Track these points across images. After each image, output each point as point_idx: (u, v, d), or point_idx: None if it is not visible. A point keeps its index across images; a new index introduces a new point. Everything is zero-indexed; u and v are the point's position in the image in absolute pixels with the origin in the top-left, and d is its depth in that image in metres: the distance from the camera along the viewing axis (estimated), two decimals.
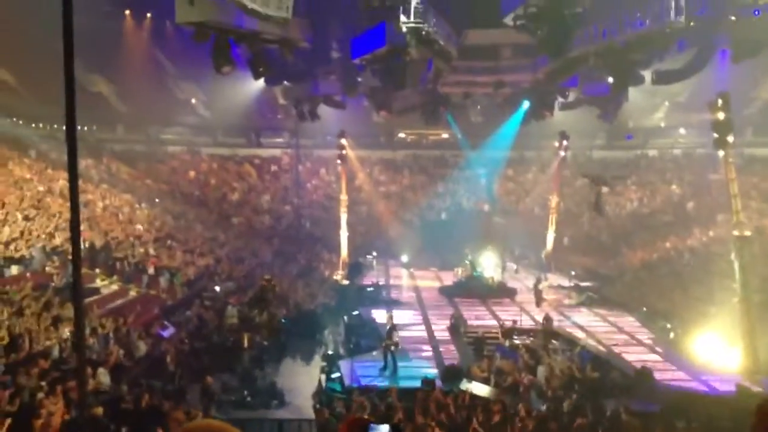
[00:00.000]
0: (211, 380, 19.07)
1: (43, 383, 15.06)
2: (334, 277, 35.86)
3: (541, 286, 31.31)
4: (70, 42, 6.88)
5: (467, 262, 34.65)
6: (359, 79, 28.28)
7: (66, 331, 18.68)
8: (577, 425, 15.88)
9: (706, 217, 39.77)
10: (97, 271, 27.61)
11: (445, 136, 50.00)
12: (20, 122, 41.04)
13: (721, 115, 22.91)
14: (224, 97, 45.05)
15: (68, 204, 12.55)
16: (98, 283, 26.54)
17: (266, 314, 25.25)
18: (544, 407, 17.93)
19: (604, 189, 35.11)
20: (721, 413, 16.37)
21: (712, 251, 33.59)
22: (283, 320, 25.78)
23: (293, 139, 50.58)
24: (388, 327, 22.00)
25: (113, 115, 48.15)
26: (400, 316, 27.41)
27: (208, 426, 1.55)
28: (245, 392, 19.52)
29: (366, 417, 2.50)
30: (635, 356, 23.29)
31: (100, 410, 14.82)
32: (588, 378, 20.28)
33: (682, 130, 50.63)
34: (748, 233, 23.67)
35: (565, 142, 38.85)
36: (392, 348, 21.52)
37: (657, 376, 20.53)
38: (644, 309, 29.57)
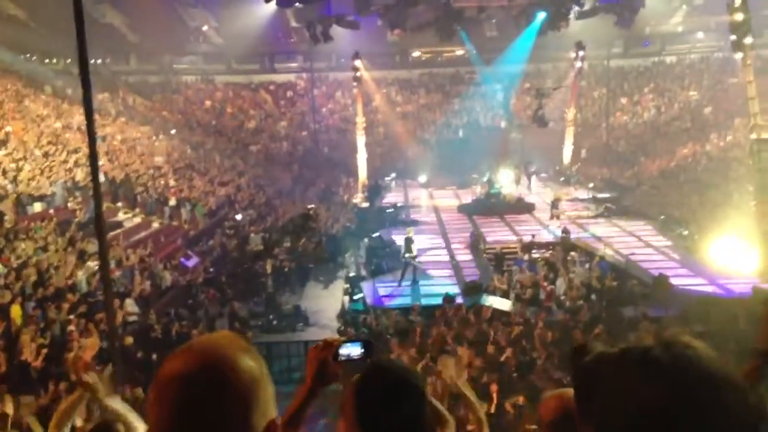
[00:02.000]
0: (238, 305, 19.61)
1: (72, 316, 15.53)
2: (354, 200, 36.09)
3: (558, 202, 31.25)
4: None
5: (485, 179, 34.63)
6: None
7: (92, 265, 19.11)
8: (596, 334, 16.21)
9: (723, 122, 39.33)
10: (119, 204, 27.98)
11: (460, 52, 49.26)
12: (33, 58, 40.95)
13: (739, 16, 22.47)
14: (236, 23, 44.67)
15: (86, 139, 12.77)
16: (121, 216, 26.95)
17: (312, 242, 25.67)
18: (562, 318, 18.25)
19: (544, 100, 35.28)
20: (737, 315, 16.57)
21: (729, 156, 33.35)
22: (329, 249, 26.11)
23: (307, 62, 50.09)
24: (405, 240, 22.66)
25: (126, 46, 48.01)
26: (420, 236, 27.79)
27: (216, 339, 1.62)
28: (271, 316, 20.01)
29: (339, 338, 2.57)
30: (653, 264, 23.46)
31: (130, 340, 15.35)
32: (606, 287, 20.53)
33: (700, 34, 49.62)
34: (766, 135, 23.49)
35: (581, 53, 38.26)
36: (410, 260, 22.15)
37: (674, 282, 20.74)
38: (662, 217, 29.58)
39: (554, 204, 30.79)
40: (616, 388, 1.23)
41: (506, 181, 34.55)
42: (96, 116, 17.74)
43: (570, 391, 2.95)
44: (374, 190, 37.15)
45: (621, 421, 1.19)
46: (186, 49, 51.13)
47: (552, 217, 30.01)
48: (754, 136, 22.61)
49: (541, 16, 32.05)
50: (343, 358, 2.41)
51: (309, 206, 27.59)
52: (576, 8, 30.90)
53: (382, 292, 21.40)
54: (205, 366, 1.46)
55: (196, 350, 1.51)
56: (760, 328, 2.52)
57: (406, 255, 22.47)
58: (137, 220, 27.45)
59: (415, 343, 15.66)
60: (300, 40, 46.23)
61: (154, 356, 14.72)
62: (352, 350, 2.43)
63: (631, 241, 26.98)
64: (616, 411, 1.21)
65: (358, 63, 36.72)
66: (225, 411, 1.43)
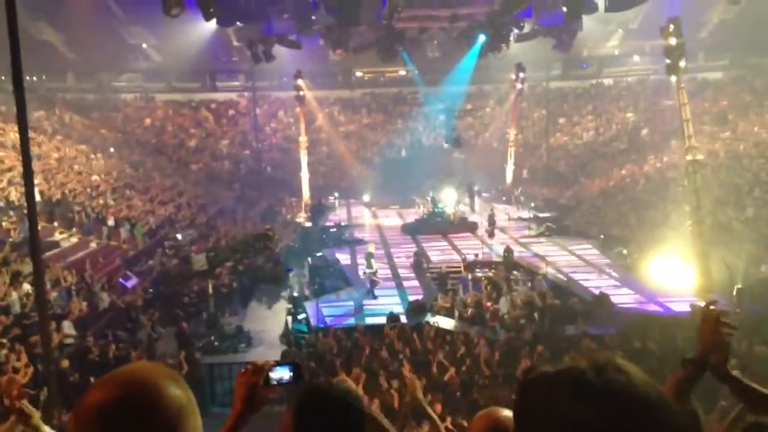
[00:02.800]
0: (186, 326, 19.26)
1: (5, 340, 15.02)
2: (297, 220, 35.90)
3: (493, 217, 31.71)
4: None
5: (428, 198, 34.84)
6: (313, 17, 27.87)
7: (27, 287, 18.53)
8: (539, 353, 16.34)
9: (660, 144, 40.35)
10: (56, 224, 27.26)
11: (402, 73, 49.60)
12: None
13: (672, 41, 23.11)
14: (176, 41, 44.09)
15: (21, 157, 12.42)
16: (57, 236, 26.21)
17: (270, 263, 25.41)
18: (505, 337, 18.36)
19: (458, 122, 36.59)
20: (675, 332, 16.91)
21: (666, 176, 34.18)
22: (287, 269, 25.99)
23: (249, 81, 49.77)
24: (366, 255, 23.65)
25: (63, 64, 46.92)
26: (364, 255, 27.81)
27: (138, 369, 1.53)
28: (212, 337, 19.69)
29: (268, 361, 2.53)
30: (593, 282, 23.84)
31: (66, 363, 14.93)
32: (548, 306, 20.76)
33: (636, 58, 50.98)
34: (700, 157, 24.18)
35: (521, 75, 38.90)
36: (372, 276, 23.19)
37: (614, 300, 21.12)
38: (602, 236, 30.14)
39: (490, 219, 31.19)
40: (551, 410, 1.24)
41: (449, 201, 34.76)
42: (31, 134, 17.31)
43: (499, 410, 2.97)
44: (317, 210, 37.05)
45: None
46: (125, 67, 50.27)
47: (489, 234, 30.42)
48: (689, 157, 23.22)
49: (482, 38, 32.41)
50: (274, 383, 2.41)
51: (267, 227, 27.41)
52: (516, 31, 31.38)
53: (325, 312, 21.24)
54: (129, 394, 1.39)
55: (119, 379, 1.44)
56: (697, 339, 2.60)
57: (367, 271, 23.27)
58: (74, 240, 26.74)
59: (360, 363, 15.54)
60: (242, 59, 45.91)
61: (92, 379, 14.28)
62: (283, 374, 2.43)
63: (572, 260, 27.39)
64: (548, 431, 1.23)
65: (300, 82, 36.64)
66: None
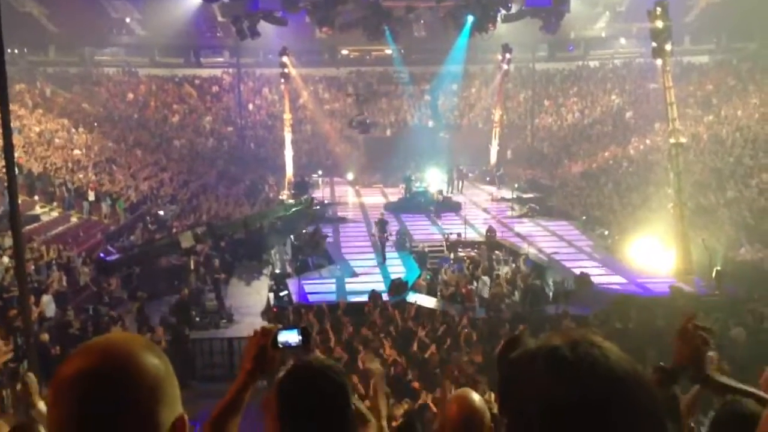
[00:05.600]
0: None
1: None
2: (280, 197, 35.78)
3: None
4: None
5: (412, 177, 34.81)
6: None
7: (6, 260, 18.42)
8: (519, 331, 16.41)
9: (643, 126, 40.50)
10: (36, 198, 27.08)
11: (388, 52, 49.28)
12: None
13: (659, 24, 23.12)
14: (160, 15, 43.74)
15: (1, 131, 12.31)
16: (38, 210, 26.11)
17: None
18: (486, 316, 18.46)
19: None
20: (655, 313, 17.06)
21: (649, 159, 34.32)
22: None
23: (234, 57, 49.36)
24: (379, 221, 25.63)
25: (45, 37, 46.40)
26: (347, 233, 27.85)
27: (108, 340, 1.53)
28: (194, 313, 19.65)
29: (276, 325, 2.58)
30: (575, 263, 23.96)
31: (46, 337, 14.89)
32: (530, 286, 20.86)
33: (622, 40, 50.92)
34: (683, 140, 24.30)
35: (508, 55, 38.79)
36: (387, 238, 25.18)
37: (595, 280, 21.26)
38: (584, 218, 30.28)
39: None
40: (526, 385, 1.25)
41: (433, 180, 34.77)
42: (12, 107, 17.12)
43: (471, 393, 3.02)
44: (301, 187, 36.92)
45: (529, 418, 1.22)
46: (108, 41, 49.71)
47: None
48: (672, 140, 23.29)
49: (470, 19, 32.24)
50: (281, 345, 2.47)
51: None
52: (503, 11, 31.25)
53: (307, 289, 21.24)
54: (106, 362, 1.37)
55: (96, 348, 1.42)
56: (674, 346, 2.59)
57: (385, 235, 24.96)
58: (55, 214, 26.62)
59: (341, 341, 15.60)
60: (226, 35, 45.51)
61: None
62: (290, 337, 2.49)
63: (554, 241, 27.50)
64: (525, 407, 1.24)
65: (285, 59, 36.37)
66: (130, 407, 1.35)
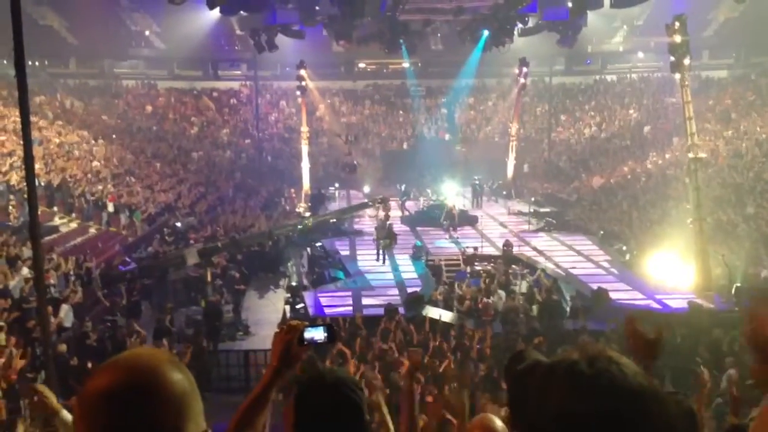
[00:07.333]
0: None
1: (2, 323, 15.02)
2: (297, 210, 35.83)
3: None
4: None
5: (429, 191, 34.80)
6: (317, 8, 27.79)
7: (26, 270, 18.53)
8: (536, 345, 16.31)
9: (662, 141, 40.34)
10: (55, 209, 27.29)
11: (405, 65, 49.50)
12: None
13: (677, 38, 22.99)
14: (179, 28, 44.06)
15: (22, 142, 12.43)
16: (57, 221, 26.29)
17: None
18: (502, 330, 18.35)
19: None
20: (674, 330, 16.89)
21: (667, 174, 34.13)
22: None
23: (251, 70, 49.64)
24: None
25: (65, 49, 46.96)
26: (362, 247, 27.87)
27: (136, 356, 1.54)
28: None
29: (302, 322, 2.61)
30: (592, 278, 23.81)
31: (64, 347, 14.96)
32: (547, 300, 20.73)
33: (640, 54, 50.85)
34: (702, 155, 24.13)
35: (525, 69, 38.73)
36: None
37: (613, 296, 21.10)
38: (601, 232, 30.10)
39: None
40: (544, 399, 1.26)
41: (450, 194, 34.71)
42: (33, 119, 17.28)
43: (493, 419, 3.03)
44: (317, 200, 36.99)
45: (545, 431, 1.24)
46: (127, 53, 50.26)
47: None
48: (691, 155, 23.13)
49: (486, 33, 32.26)
50: (307, 342, 2.52)
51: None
52: (520, 25, 31.23)
53: (323, 302, 21.23)
54: (133, 380, 1.40)
55: (122, 365, 1.45)
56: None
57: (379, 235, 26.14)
58: (74, 225, 26.79)
59: (356, 353, 15.56)
60: (244, 48, 45.88)
61: (89, 364, 14.33)
62: (316, 334, 2.55)
63: (571, 255, 27.36)
64: (540, 420, 1.25)
65: (303, 72, 36.53)
66: (156, 423, 1.37)
